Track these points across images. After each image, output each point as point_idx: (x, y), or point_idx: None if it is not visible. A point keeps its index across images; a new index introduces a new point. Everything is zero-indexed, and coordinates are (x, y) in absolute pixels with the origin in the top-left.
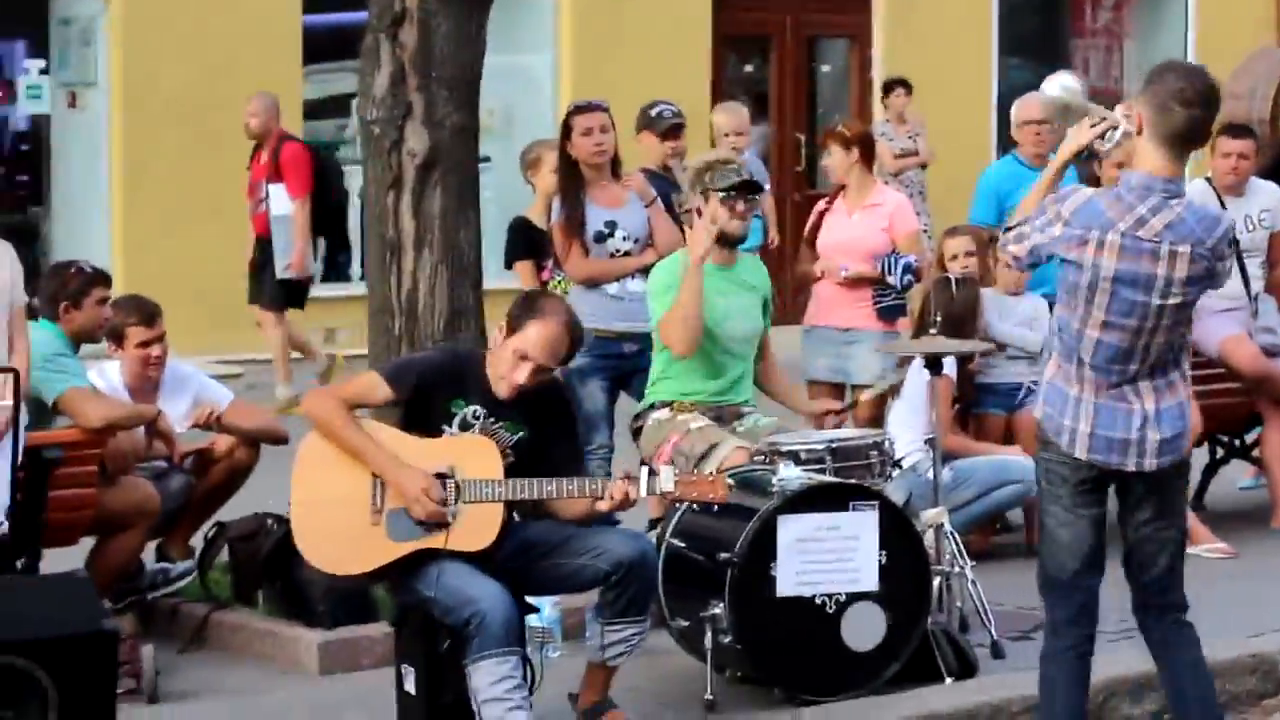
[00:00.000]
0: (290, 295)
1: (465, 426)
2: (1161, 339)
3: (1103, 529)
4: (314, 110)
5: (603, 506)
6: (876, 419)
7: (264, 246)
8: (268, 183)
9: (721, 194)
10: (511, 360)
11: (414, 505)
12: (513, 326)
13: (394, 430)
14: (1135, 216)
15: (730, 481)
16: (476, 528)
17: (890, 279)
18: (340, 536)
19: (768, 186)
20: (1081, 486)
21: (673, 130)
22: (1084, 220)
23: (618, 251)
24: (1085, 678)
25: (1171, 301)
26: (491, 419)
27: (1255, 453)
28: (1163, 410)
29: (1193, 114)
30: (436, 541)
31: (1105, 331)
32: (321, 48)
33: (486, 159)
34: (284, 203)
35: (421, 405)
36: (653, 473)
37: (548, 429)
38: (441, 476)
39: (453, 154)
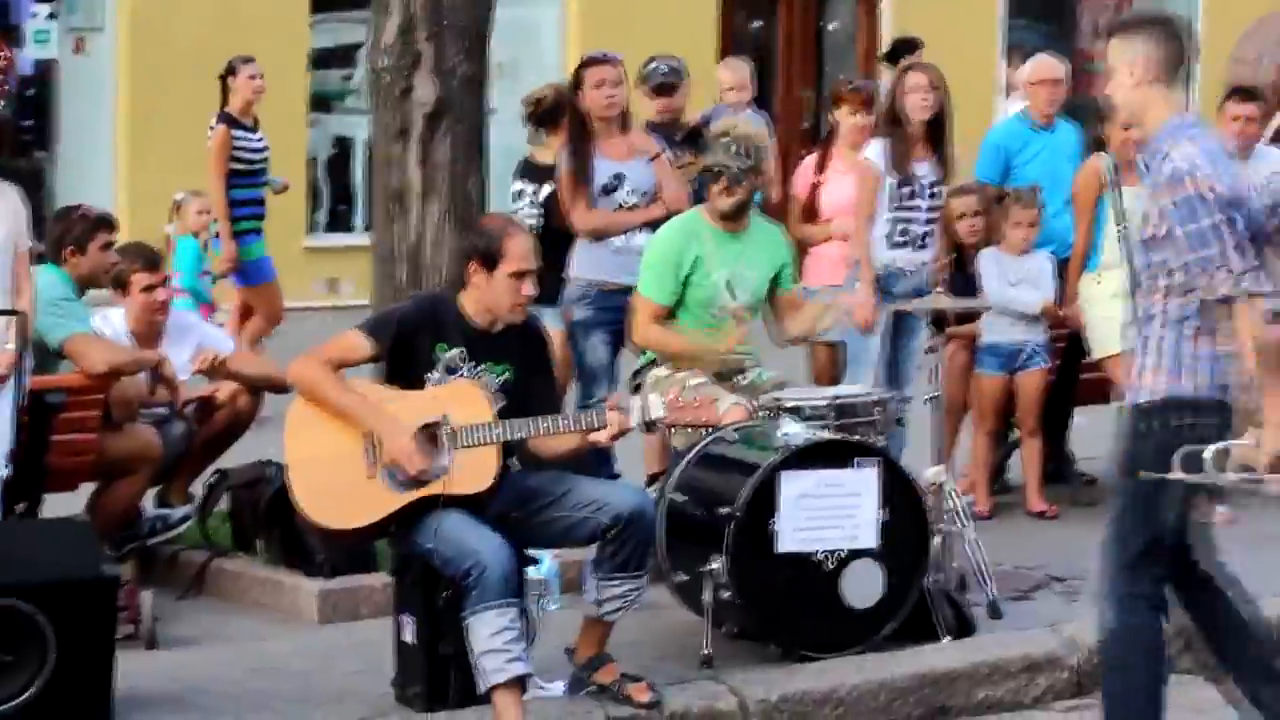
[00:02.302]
0: None
1: (451, 370)
2: None
3: None
4: (322, 59)
5: (602, 438)
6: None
7: None
8: None
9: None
10: (512, 285)
11: (405, 464)
12: (489, 258)
13: (379, 386)
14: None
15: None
16: (473, 471)
17: None
18: (339, 492)
19: (770, 142)
20: None
21: (661, 89)
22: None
23: (624, 205)
24: None
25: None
26: (475, 361)
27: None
28: None
29: (1182, 41)
30: (435, 488)
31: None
32: None
33: (493, 110)
34: None
35: (404, 354)
36: (647, 400)
37: (529, 365)
38: (433, 426)
39: (461, 104)
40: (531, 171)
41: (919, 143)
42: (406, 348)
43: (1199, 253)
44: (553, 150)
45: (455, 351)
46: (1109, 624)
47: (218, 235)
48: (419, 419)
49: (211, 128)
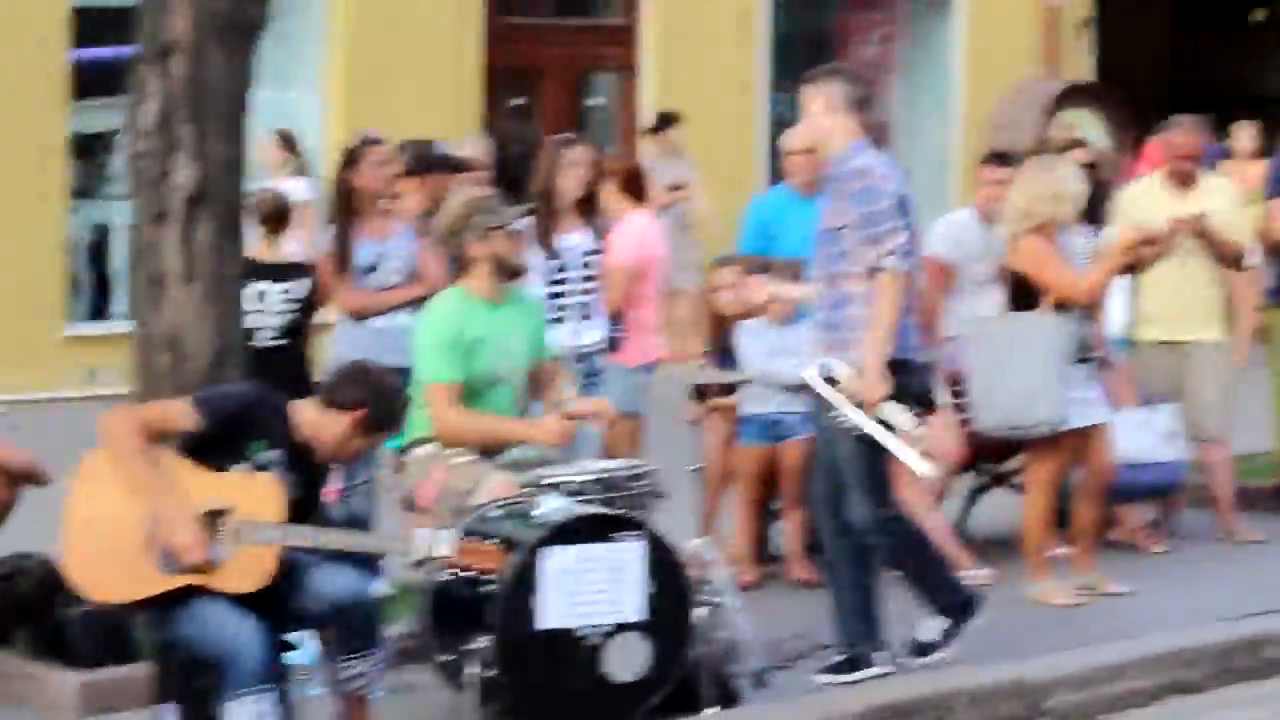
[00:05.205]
0: None
1: (260, 468)
2: None
3: None
4: (81, 147)
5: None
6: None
7: None
8: None
9: (505, 230)
10: (369, 446)
11: (181, 554)
12: (380, 425)
13: (180, 460)
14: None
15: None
16: (246, 569)
17: None
18: (109, 561)
19: None
20: None
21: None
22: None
23: (386, 285)
24: None
25: None
26: (284, 469)
27: (1015, 480)
28: None
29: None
30: (203, 579)
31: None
32: (91, 83)
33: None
34: None
35: (219, 439)
36: (434, 535)
37: (318, 481)
38: (217, 514)
39: (220, 187)
40: (264, 270)
41: (569, 215)
42: (226, 434)
43: (868, 230)
44: (274, 249)
45: (273, 453)
46: None
47: None
48: (207, 502)
49: None
